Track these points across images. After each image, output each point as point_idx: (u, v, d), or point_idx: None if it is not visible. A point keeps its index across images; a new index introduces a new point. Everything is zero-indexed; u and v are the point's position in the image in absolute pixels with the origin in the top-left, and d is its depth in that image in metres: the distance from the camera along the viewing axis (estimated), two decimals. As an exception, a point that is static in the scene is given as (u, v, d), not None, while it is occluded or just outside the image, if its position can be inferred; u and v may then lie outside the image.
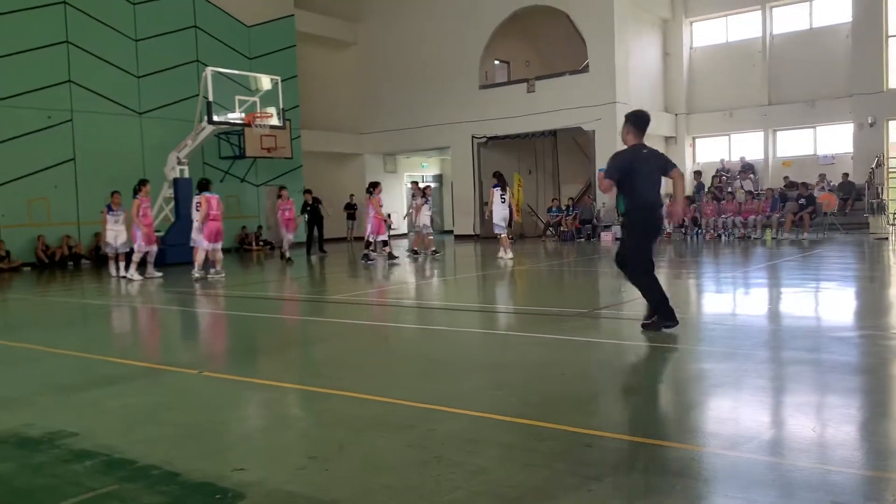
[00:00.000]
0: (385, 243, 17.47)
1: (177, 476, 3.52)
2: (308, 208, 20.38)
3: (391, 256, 17.13)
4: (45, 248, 19.30)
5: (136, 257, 14.41)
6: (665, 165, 6.80)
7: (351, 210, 27.42)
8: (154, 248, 14.83)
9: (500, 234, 16.43)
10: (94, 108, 20.71)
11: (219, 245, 14.12)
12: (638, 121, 6.83)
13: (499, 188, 16.48)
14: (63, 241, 19.69)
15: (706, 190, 23.86)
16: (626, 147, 6.85)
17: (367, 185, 17.56)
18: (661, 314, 6.61)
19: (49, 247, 19.43)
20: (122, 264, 14.98)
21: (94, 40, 20.74)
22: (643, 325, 6.77)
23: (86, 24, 20.58)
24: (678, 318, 6.60)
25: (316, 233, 20.47)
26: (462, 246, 22.89)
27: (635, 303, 9.58)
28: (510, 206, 17.00)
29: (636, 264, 6.71)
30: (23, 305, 12.13)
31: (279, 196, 19.28)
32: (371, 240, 17.03)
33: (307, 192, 21.07)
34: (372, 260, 16.74)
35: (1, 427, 4.46)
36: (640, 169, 6.63)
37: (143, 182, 14.76)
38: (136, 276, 14.28)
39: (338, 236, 27.26)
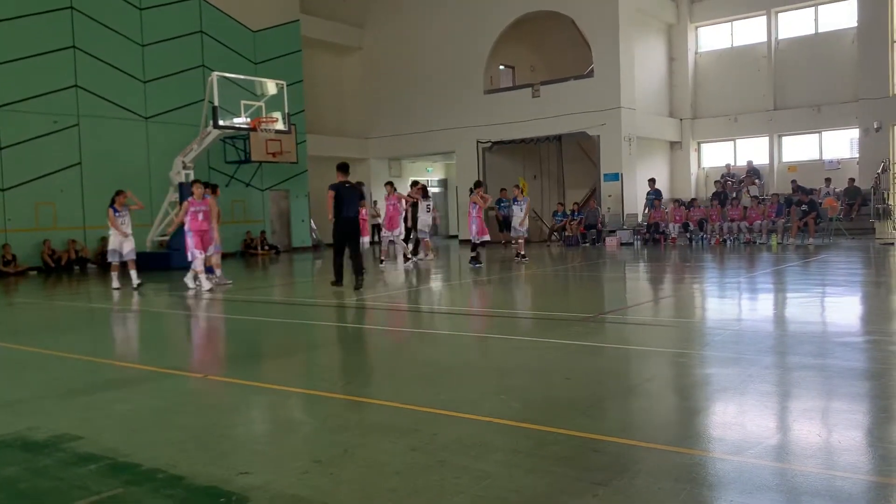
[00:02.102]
0: (483, 244, 16.45)
1: (182, 479, 3.53)
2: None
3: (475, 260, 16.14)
4: (51, 252, 19.36)
5: (198, 265, 12.66)
6: (360, 196, 12.23)
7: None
8: (206, 253, 12.84)
9: (424, 238, 18.10)
10: (101, 113, 20.80)
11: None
12: (342, 167, 12.11)
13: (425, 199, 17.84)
14: (69, 245, 19.75)
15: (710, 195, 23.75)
16: (338, 181, 11.83)
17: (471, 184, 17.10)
18: (336, 278, 11.90)
19: (55, 251, 19.49)
20: (133, 272, 13.34)
21: (100, 45, 20.84)
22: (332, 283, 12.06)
23: (92, 29, 20.67)
24: (342, 284, 11.82)
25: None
26: (467, 251, 22.86)
27: (640, 308, 9.59)
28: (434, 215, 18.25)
29: (335, 250, 12.02)
30: (29, 309, 12.17)
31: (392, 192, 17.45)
32: (475, 241, 16.08)
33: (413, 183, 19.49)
34: (480, 263, 15.75)
35: (6, 430, 4.47)
36: (345, 196, 11.66)
37: (194, 182, 13.28)
38: (206, 284, 12.58)
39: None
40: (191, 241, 12.56)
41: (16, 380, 6.22)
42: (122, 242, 13.41)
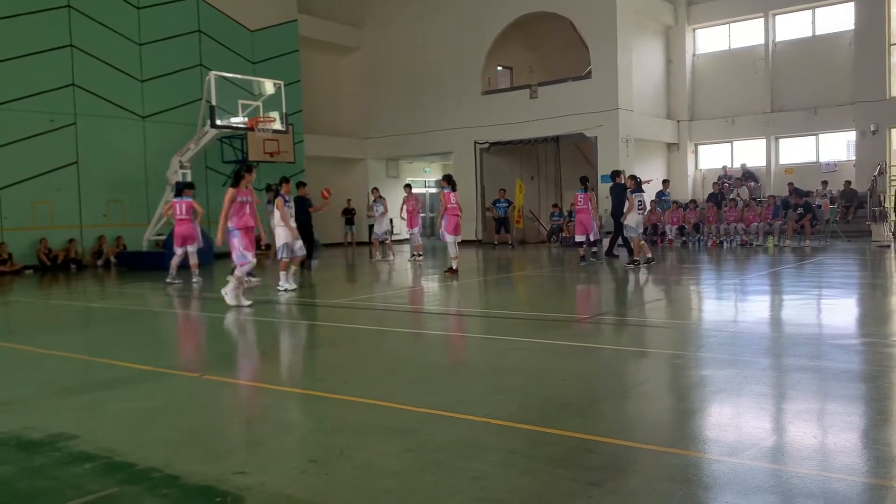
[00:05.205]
0: (593, 244, 15.72)
1: (177, 479, 3.52)
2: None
3: (583, 258, 15.56)
4: (47, 251, 19.33)
5: (243, 271, 10.26)
6: (306, 204, 14.67)
7: (349, 215, 27.44)
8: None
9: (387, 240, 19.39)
10: (98, 112, 20.76)
11: (190, 249, 13.90)
12: (299, 184, 14.61)
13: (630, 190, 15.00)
14: (69, 244, 19.74)
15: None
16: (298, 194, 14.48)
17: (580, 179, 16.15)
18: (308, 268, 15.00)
19: (52, 250, 19.46)
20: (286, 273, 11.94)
21: (98, 44, 20.80)
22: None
23: (90, 27, 20.64)
24: (295, 288, 12.39)
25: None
26: (464, 251, 22.87)
27: (638, 309, 9.60)
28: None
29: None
30: (25, 308, 12.14)
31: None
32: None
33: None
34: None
35: (2, 429, 4.46)
36: (295, 206, 12.91)
37: (245, 167, 10.33)
38: (237, 299, 10.20)
39: (336, 241, 27.30)
40: (238, 241, 9.97)
41: (11, 379, 6.21)
42: (295, 238, 11.90)
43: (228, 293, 10.15)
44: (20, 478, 3.65)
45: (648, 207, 14.87)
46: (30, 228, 19.36)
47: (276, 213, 11.93)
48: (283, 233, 11.77)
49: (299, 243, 11.98)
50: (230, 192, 9.92)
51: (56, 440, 4.19)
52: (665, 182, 23.55)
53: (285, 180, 12.35)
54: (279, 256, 12.04)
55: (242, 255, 9.95)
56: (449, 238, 14.15)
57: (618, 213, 15.14)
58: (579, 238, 15.70)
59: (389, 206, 19.97)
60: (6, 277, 17.61)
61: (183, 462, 3.77)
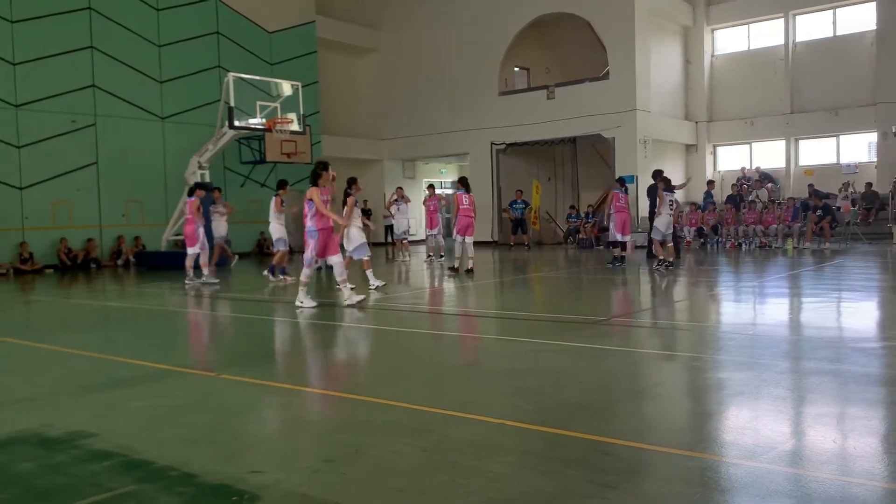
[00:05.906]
0: (623, 245, 15.46)
1: (194, 477, 3.54)
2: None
3: (621, 259, 15.27)
4: (67, 250, 19.53)
5: (305, 275, 10.01)
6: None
7: (365, 216, 27.49)
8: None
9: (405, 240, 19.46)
10: (118, 113, 20.97)
11: (194, 250, 14.01)
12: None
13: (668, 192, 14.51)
14: (88, 244, 19.94)
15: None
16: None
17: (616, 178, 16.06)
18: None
19: (72, 249, 19.65)
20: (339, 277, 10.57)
21: (118, 45, 21.01)
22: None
23: (110, 29, 20.85)
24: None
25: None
26: (480, 252, 22.85)
27: (656, 311, 9.54)
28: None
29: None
30: (45, 307, 12.27)
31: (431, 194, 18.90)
32: (617, 239, 15.23)
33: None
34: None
35: (21, 427, 4.51)
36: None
37: (321, 164, 10.18)
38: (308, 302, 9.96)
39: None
40: (314, 243, 9.64)
41: (31, 377, 6.27)
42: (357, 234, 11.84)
43: (302, 302, 9.92)
44: (40, 475, 3.68)
45: (672, 210, 14.69)
46: (50, 228, 19.59)
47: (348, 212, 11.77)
48: (357, 234, 11.76)
49: (364, 243, 11.92)
50: (314, 190, 9.66)
51: (75, 438, 4.23)
52: (710, 182, 23.39)
53: (355, 180, 12.11)
54: (361, 257, 11.91)
55: (309, 258, 9.79)
56: (458, 238, 14.55)
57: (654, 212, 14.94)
58: (621, 238, 15.29)
59: (409, 207, 20.22)
60: (27, 276, 17.82)
61: (199, 460, 3.79)
